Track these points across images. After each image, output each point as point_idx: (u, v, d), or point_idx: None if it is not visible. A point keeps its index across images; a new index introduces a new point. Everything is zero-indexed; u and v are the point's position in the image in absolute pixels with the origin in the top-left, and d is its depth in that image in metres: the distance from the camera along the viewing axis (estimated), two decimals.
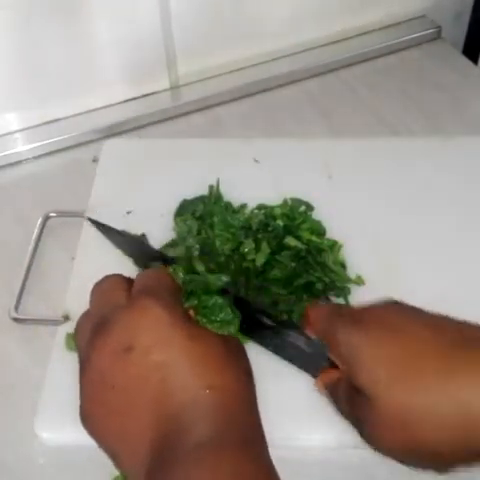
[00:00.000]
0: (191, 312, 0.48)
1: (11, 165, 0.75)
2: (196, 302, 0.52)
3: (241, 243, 0.60)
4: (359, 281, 0.59)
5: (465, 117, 0.77)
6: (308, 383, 0.52)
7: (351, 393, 0.43)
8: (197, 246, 0.59)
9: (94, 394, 0.41)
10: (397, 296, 0.46)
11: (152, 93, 0.81)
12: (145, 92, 0.80)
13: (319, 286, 0.57)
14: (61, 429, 0.52)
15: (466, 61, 0.86)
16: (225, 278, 0.54)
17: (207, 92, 0.80)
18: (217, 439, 0.38)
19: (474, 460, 0.41)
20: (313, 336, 0.48)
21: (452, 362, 0.39)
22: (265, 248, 0.59)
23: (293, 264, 0.58)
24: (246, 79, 0.82)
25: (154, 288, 0.44)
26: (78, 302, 0.57)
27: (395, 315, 0.44)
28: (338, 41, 0.86)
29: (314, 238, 0.61)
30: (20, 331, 0.59)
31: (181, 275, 0.54)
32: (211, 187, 0.65)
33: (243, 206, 0.64)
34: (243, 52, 0.82)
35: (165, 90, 0.81)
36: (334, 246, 0.61)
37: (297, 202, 0.64)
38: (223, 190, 0.65)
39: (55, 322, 0.57)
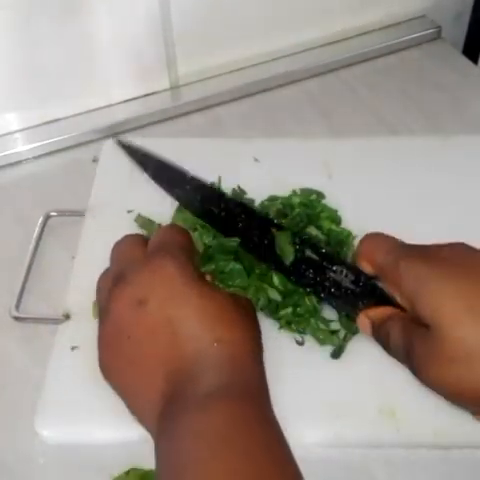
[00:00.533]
0: (208, 277, 0.49)
1: (11, 165, 0.75)
2: (213, 267, 0.54)
3: None
4: None
5: (465, 117, 0.77)
6: (308, 382, 0.52)
7: (408, 327, 0.43)
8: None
9: (110, 344, 0.44)
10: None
11: (152, 93, 0.81)
12: (145, 92, 0.80)
13: None
14: (61, 427, 0.52)
15: (466, 61, 0.86)
16: (236, 240, 0.54)
17: (207, 92, 0.80)
18: (224, 388, 0.40)
19: None
20: (368, 269, 0.47)
21: None
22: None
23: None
24: (246, 79, 0.82)
25: (169, 246, 0.46)
26: (78, 301, 0.58)
27: (464, 252, 0.44)
28: (338, 41, 0.86)
29: (334, 227, 0.61)
30: (21, 330, 0.59)
31: (205, 239, 0.55)
32: (213, 184, 0.65)
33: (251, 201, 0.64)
34: (243, 52, 0.82)
35: (165, 90, 0.81)
36: (349, 236, 0.61)
37: (308, 191, 0.64)
38: (223, 189, 0.65)
39: (55, 321, 0.57)
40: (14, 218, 0.68)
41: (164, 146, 0.72)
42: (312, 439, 0.51)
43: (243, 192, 0.65)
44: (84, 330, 0.56)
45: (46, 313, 0.59)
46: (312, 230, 0.60)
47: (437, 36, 0.88)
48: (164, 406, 0.40)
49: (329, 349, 0.54)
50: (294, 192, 0.65)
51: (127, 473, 0.49)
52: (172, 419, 0.39)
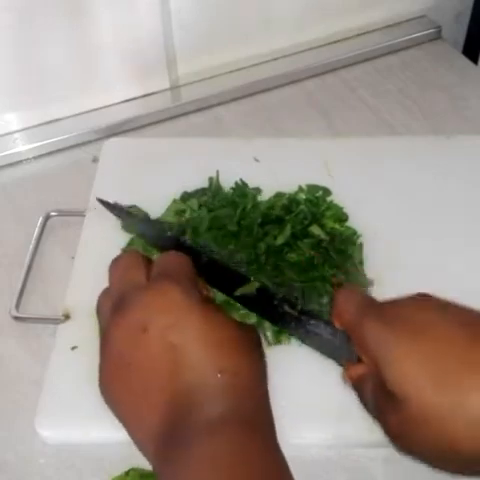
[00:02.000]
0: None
1: (11, 165, 0.75)
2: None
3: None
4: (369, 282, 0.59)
5: (465, 117, 0.77)
6: (308, 382, 0.52)
7: (377, 390, 0.42)
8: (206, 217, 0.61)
9: (111, 369, 0.43)
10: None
11: (152, 93, 0.81)
12: (145, 92, 0.80)
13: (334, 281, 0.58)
14: (61, 427, 0.52)
15: (466, 61, 0.86)
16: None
17: (207, 92, 0.80)
18: (227, 418, 0.39)
19: None
20: (339, 326, 0.47)
21: None
22: (288, 230, 0.59)
23: (312, 252, 0.59)
24: (246, 79, 0.82)
25: (173, 272, 0.45)
26: (78, 301, 0.58)
27: (425, 311, 0.43)
28: (338, 41, 0.86)
29: (337, 226, 0.62)
30: (20, 330, 0.59)
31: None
32: (211, 179, 0.66)
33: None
34: (243, 52, 0.82)
35: (165, 90, 0.81)
36: (354, 235, 0.61)
37: (314, 188, 0.65)
38: (223, 188, 0.66)
39: (55, 321, 0.57)
40: (14, 218, 0.68)
41: (164, 146, 0.72)
42: (312, 439, 0.51)
43: (245, 185, 0.66)
44: (84, 330, 0.56)
45: (46, 313, 0.59)
46: (315, 229, 0.60)
47: (437, 36, 0.88)
48: (165, 434, 0.39)
49: None
50: (301, 188, 0.65)
51: (127, 473, 0.49)
52: (171, 445, 0.39)
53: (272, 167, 0.68)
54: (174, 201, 0.64)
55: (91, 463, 0.51)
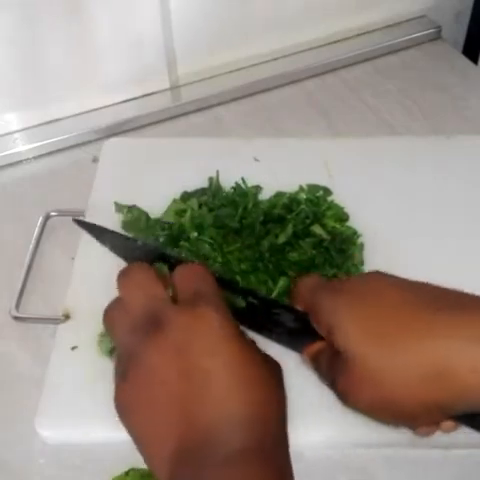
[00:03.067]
0: None
1: (11, 165, 0.75)
2: None
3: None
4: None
5: (465, 117, 0.77)
6: (308, 382, 0.52)
7: (331, 358, 0.45)
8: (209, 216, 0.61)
9: (136, 386, 0.42)
10: None
11: (152, 93, 0.81)
12: (145, 92, 0.80)
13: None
14: (61, 427, 0.52)
15: (466, 61, 0.86)
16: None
17: (207, 92, 0.80)
18: (246, 451, 0.39)
19: (443, 420, 0.44)
20: (300, 308, 0.49)
21: (432, 322, 0.42)
22: (289, 228, 0.60)
23: (313, 252, 0.59)
24: (246, 79, 0.82)
25: (205, 293, 0.45)
26: (78, 301, 0.58)
27: (374, 281, 0.47)
28: (338, 41, 0.86)
29: (338, 226, 0.62)
30: (21, 330, 0.59)
31: None
32: (211, 179, 0.66)
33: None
34: (243, 52, 0.82)
35: (165, 90, 0.81)
36: (355, 234, 0.62)
37: (315, 187, 0.65)
38: (223, 186, 0.66)
39: (55, 321, 0.57)
40: (14, 218, 0.68)
41: (164, 146, 0.72)
42: (312, 439, 0.51)
43: (246, 184, 0.66)
44: (84, 330, 0.56)
45: (46, 313, 0.59)
46: (316, 228, 0.61)
47: (437, 36, 0.88)
48: (180, 459, 0.39)
49: None
50: (301, 188, 0.65)
51: (127, 473, 0.49)
52: (186, 475, 0.38)
53: (272, 167, 0.68)
54: (174, 201, 0.64)
55: (91, 463, 0.51)
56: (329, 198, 0.65)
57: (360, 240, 0.61)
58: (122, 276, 0.47)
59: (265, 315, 0.51)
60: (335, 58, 0.84)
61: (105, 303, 0.57)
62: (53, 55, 0.73)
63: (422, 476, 0.50)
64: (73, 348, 0.55)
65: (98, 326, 0.56)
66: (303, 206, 0.63)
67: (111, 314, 0.46)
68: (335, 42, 0.86)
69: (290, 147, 0.71)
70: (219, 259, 0.59)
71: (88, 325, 0.56)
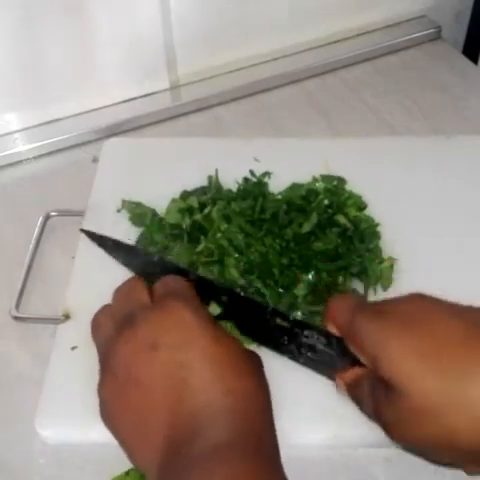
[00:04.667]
0: None
1: (11, 165, 0.75)
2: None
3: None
4: (391, 260, 0.59)
5: (465, 117, 0.77)
6: (308, 382, 0.52)
7: (376, 388, 0.42)
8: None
9: (115, 389, 0.42)
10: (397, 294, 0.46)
11: (152, 93, 0.81)
12: (145, 92, 0.80)
13: (354, 270, 0.58)
14: (61, 427, 0.52)
15: (466, 61, 0.86)
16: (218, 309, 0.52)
17: (207, 92, 0.80)
18: (233, 443, 0.38)
19: None
20: (334, 331, 0.47)
21: None
22: (314, 217, 0.59)
23: (339, 240, 0.59)
24: (246, 79, 0.82)
25: (179, 291, 0.46)
26: (78, 301, 0.58)
27: (419, 305, 0.43)
28: (338, 41, 0.86)
29: (360, 214, 0.62)
30: (20, 330, 0.59)
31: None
32: (210, 177, 0.66)
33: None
34: (243, 52, 0.82)
35: (165, 90, 0.81)
36: (377, 225, 0.62)
37: (329, 177, 0.65)
38: (223, 185, 0.66)
39: (55, 321, 0.57)
40: (14, 218, 0.68)
41: (164, 146, 0.72)
42: (312, 439, 0.51)
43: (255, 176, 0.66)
44: (84, 330, 0.56)
45: (46, 313, 0.59)
46: (340, 218, 0.61)
47: (437, 36, 0.88)
48: (167, 453, 0.39)
49: None
50: (315, 178, 0.65)
51: (127, 473, 0.49)
52: (175, 468, 0.38)
53: (272, 167, 0.68)
54: (173, 200, 0.64)
55: (91, 463, 0.51)
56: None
57: (378, 229, 0.62)
58: (115, 291, 0.49)
59: (293, 337, 0.49)
60: (335, 58, 0.84)
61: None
62: (53, 55, 0.73)
63: (422, 476, 0.50)
64: (73, 348, 0.55)
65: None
66: (322, 196, 0.63)
67: (96, 319, 0.48)
68: (335, 42, 0.86)
69: (290, 147, 0.71)
70: (257, 248, 0.58)
71: (88, 325, 0.56)
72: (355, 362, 0.45)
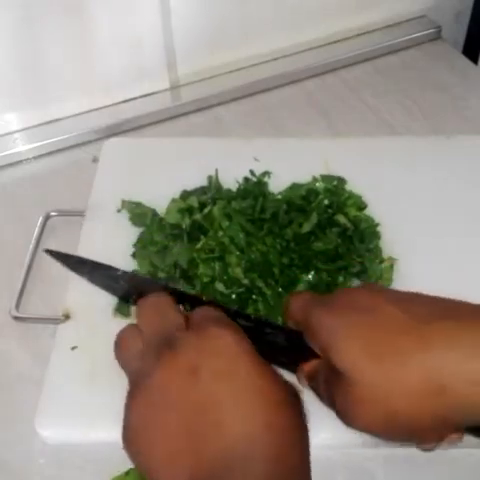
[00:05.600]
0: None
1: (11, 165, 0.75)
2: None
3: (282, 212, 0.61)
4: (391, 261, 0.60)
5: (465, 117, 0.77)
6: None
7: (329, 376, 0.44)
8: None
9: (149, 413, 0.40)
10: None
11: (152, 93, 0.81)
12: (145, 92, 0.80)
13: (354, 270, 0.58)
14: (61, 427, 0.52)
15: (466, 61, 0.86)
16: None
17: (207, 92, 0.80)
18: None
19: (448, 433, 0.42)
20: (293, 326, 0.48)
21: (425, 333, 0.41)
22: (314, 217, 0.60)
23: (339, 240, 0.59)
24: (246, 79, 0.82)
25: (221, 319, 0.44)
26: (78, 301, 0.58)
27: (366, 295, 0.45)
28: (338, 41, 0.86)
29: (360, 214, 0.62)
30: (21, 330, 0.59)
31: None
32: (210, 177, 0.66)
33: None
34: (243, 52, 0.82)
35: (165, 90, 0.81)
36: (377, 225, 0.62)
37: (329, 177, 0.65)
38: (223, 184, 0.66)
39: (55, 321, 0.57)
40: (14, 218, 0.68)
41: (164, 146, 0.72)
42: (312, 439, 0.51)
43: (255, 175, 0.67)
44: (84, 330, 0.56)
45: (46, 313, 0.59)
46: (340, 218, 0.61)
47: (437, 36, 0.88)
48: None
49: None
50: (315, 178, 0.65)
51: (127, 473, 0.49)
52: None
53: (272, 167, 0.68)
54: (173, 200, 0.64)
55: (91, 463, 0.51)
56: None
57: (378, 229, 0.62)
58: (142, 304, 0.47)
59: (257, 336, 0.48)
60: (335, 58, 0.84)
61: (105, 303, 0.57)
62: (53, 55, 0.73)
63: (421, 476, 0.50)
64: (73, 348, 0.55)
65: (98, 326, 0.56)
66: (322, 196, 0.63)
67: (123, 340, 0.45)
68: (335, 42, 0.86)
69: (290, 147, 0.71)
70: (258, 247, 0.58)
71: (88, 325, 0.56)
72: (314, 355, 0.46)
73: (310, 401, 0.51)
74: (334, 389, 0.43)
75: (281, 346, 0.49)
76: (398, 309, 0.43)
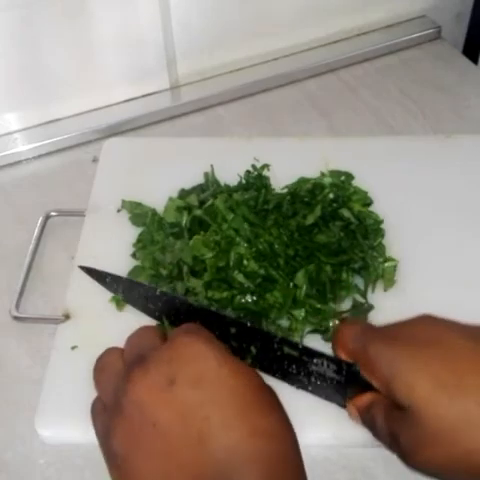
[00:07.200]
0: None
1: (11, 165, 0.75)
2: None
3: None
4: (394, 262, 0.59)
5: (465, 117, 0.77)
6: None
7: (389, 412, 0.42)
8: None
9: (131, 434, 0.38)
10: (397, 294, 0.46)
11: (152, 93, 0.81)
12: (145, 92, 0.80)
13: (356, 266, 0.58)
14: (61, 427, 0.52)
15: (466, 61, 0.86)
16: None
17: (207, 92, 0.80)
18: None
19: None
20: (344, 358, 0.46)
21: None
22: (318, 210, 0.60)
23: (341, 234, 0.59)
24: (246, 79, 0.82)
25: (192, 329, 0.43)
26: (78, 301, 0.58)
27: (429, 327, 0.43)
28: (338, 41, 0.86)
29: (364, 210, 0.62)
30: (21, 330, 0.59)
31: None
32: (206, 174, 0.66)
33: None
34: (243, 52, 0.82)
35: (165, 90, 0.81)
36: (381, 221, 0.62)
37: (337, 172, 0.65)
38: (222, 184, 0.66)
39: (55, 321, 0.57)
40: (14, 218, 0.68)
41: (164, 146, 0.72)
42: (312, 439, 0.51)
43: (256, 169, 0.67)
44: (84, 330, 0.56)
45: (46, 313, 0.59)
46: (345, 212, 0.61)
47: (437, 36, 0.88)
48: None
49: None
50: (323, 173, 0.65)
51: None
52: None
53: (272, 167, 0.68)
54: (171, 199, 0.64)
55: (91, 463, 0.51)
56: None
57: (383, 226, 0.62)
58: (130, 336, 0.46)
59: (302, 366, 0.48)
60: (335, 58, 0.84)
61: (105, 303, 0.57)
62: (53, 55, 0.73)
63: (421, 476, 0.50)
64: (73, 348, 0.55)
65: (98, 326, 0.56)
66: (327, 189, 0.63)
67: (102, 361, 0.44)
68: (335, 42, 0.86)
69: (290, 147, 0.71)
70: (266, 238, 0.57)
71: (88, 325, 0.56)
72: (366, 388, 0.45)
73: (310, 401, 0.51)
74: (397, 427, 0.41)
75: (329, 377, 0.47)
76: (464, 340, 0.41)
